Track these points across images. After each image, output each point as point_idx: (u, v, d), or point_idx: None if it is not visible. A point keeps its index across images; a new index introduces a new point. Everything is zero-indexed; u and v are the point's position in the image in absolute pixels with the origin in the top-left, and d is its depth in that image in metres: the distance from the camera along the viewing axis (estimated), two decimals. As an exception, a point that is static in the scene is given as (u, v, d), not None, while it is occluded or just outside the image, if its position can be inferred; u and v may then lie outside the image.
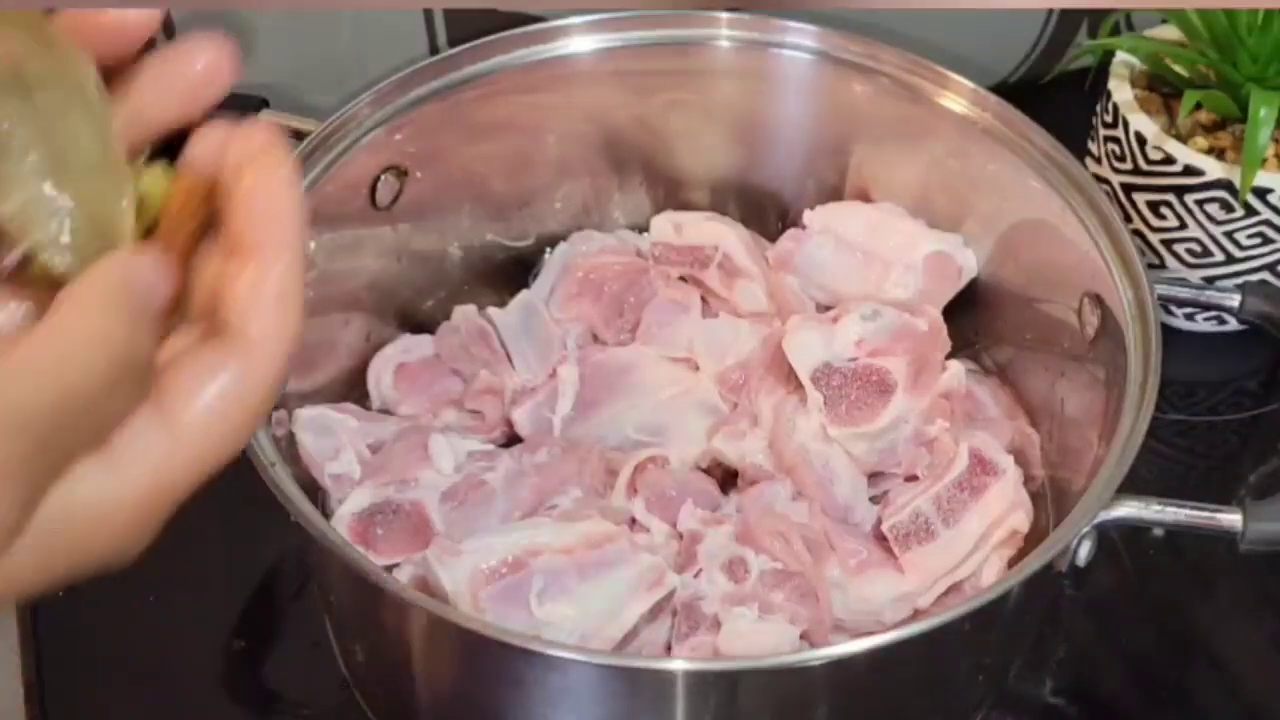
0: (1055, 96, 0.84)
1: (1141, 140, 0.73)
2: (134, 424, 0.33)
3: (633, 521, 0.62)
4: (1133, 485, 0.54)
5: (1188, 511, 0.54)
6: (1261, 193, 0.70)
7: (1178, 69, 0.76)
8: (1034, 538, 0.63)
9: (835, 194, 0.74)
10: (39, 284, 0.34)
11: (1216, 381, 0.78)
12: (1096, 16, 0.89)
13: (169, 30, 0.73)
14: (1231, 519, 0.54)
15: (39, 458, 0.31)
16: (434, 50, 0.78)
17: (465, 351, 0.69)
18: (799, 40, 0.71)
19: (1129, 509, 0.54)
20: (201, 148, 0.37)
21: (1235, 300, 0.64)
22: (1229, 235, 0.73)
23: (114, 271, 0.33)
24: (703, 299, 0.72)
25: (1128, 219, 0.75)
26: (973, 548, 0.61)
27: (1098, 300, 0.62)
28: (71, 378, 0.31)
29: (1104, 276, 0.61)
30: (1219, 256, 0.74)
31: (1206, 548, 0.67)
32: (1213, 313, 0.76)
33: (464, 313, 0.71)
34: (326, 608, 0.63)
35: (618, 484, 0.63)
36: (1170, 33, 0.77)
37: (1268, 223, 0.72)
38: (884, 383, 0.63)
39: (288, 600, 0.67)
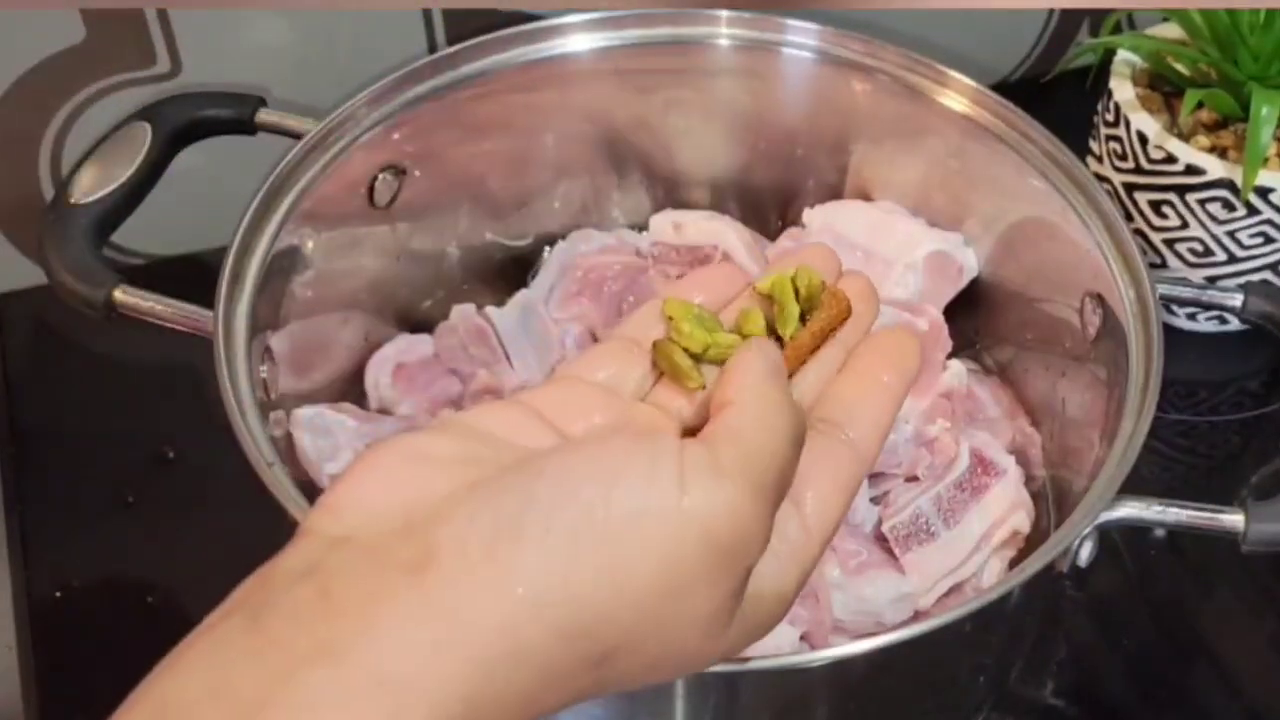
0: (1056, 95, 0.84)
1: (1143, 139, 0.72)
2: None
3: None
4: (1134, 485, 0.53)
5: (1189, 512, 0.54)
6: (1263, 192, 0.70)
7: (1179, 68, 0.75)
8: (1035, 538, 0.62)
9: (835, 193, 0.74)
10: (662, 358, 0.41)
11: (1218, 381, 0.77)
12: (1098, 15, 0.89)
13: (167, 28, 0.73)
14: (1233, 519, 0.54)
15: (771, 514, 0.35)
16: (432, 50, 0.78)
17: (464, 351, 0.69)
18: (799, 39, 0.70)
19: (1130, 509, 0.53)
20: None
21: (1237, 300, 0.64)
22: (1231, 235, 0.72)
23: (766, 356, 0.38)
24: (702, 298, 0.71)
25: (1129, 218, 0.74)
26: (974, 548, 0.61)
27: (1099, 300, 0.62)
28: (780, 438, 0.36)
29: (1105, 276, 0.61)
30: (1221, 256, 0.73)
31: (1208, 548, 0.67)
32: (1215, 313, 0.76)
33: (462, 312, 0.70)
34: (325, 608, 0.62)
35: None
36: (1172, 31, 0.77)
37: (1270, 222, 0.71)
38: (884, 382, 0.63)
39: (286, 601, 0.67)
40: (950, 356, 0.67)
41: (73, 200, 0.61)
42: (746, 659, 0.55)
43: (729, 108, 0.73)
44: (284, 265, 0.62)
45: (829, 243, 0.71)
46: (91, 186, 0.61)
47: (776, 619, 0.37)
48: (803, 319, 0.42)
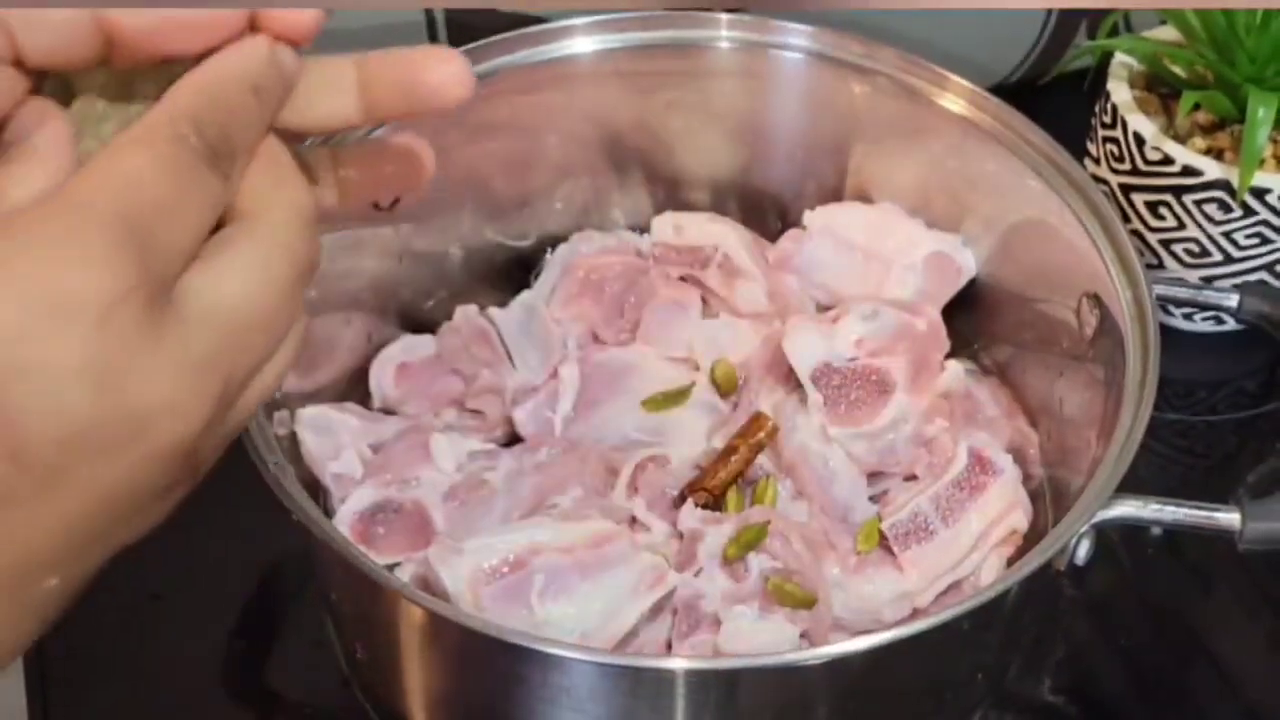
0: (1054, 97, 0.84)
1: (1140, 141, 0.73)
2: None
3: (633, 520, 0.62)
4: (1131, 485, 0.54)
5: (1186, 511, 0.54)
6: (1259, 193, 0.71)
7: (1176, 70, 0.76)
8: (1033, 537, 0.63)
9: (835, 194, 0.75)
10: None
11: (1215, 381, 0.78)
12: (1095, 18, 0.89)
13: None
14: (1230, 518, 0.54)
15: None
16: (435, 51, 0.78)
17: (466, 351, 0.69)
18: (798, 41, 0.71)
19: (1127, 508, 0.54)
20: None
21: (1233, 300, 0.64)
22: (1227, 235, 0.73)
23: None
24: (703, 299, 0.72)
25: (1126, 219, 0.75)
26: (972, 547, 0.61)
27: (1096, 300, 0.62)
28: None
29: (1102, 276, 0.62)
30: (1217, 256, 0.74)
31: (1205, 547, 0.67)
32: (1211, 313, 0.76)
33: (465, 313, 0.71)
34: (328, 607, 0.63)
35: (618, 483, 0.63)
36: (1169, 33, 0.78)
37: (1266, 223, 0.72)
38: (883, 382, 0.63)
39: (288, 600, 0.67)
40: (948, 357, 0.67)
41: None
42: (746, 658, 0.56)
43: (729, 110, 0.73)
44: (287, 266, 0.62)
45: (829, 244, 0.72)
46: (96, 188, 0.62)
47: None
48: None
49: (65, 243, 0.30)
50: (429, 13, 0.77)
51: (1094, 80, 0.79)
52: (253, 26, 0.35)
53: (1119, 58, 0.77)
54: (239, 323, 0.33)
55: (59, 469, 0.30)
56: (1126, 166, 0.74)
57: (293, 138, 0.37)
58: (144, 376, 0.30)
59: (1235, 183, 0.70)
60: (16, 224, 0.30)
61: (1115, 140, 0.75)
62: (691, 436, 0.66)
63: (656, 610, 0.58)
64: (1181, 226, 0.74)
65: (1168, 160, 0.72)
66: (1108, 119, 0.76)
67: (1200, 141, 0.74)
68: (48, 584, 0.32)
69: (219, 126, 0.33)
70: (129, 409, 0.30)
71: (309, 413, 0.63)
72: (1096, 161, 0.77)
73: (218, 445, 0.34)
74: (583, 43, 0.70)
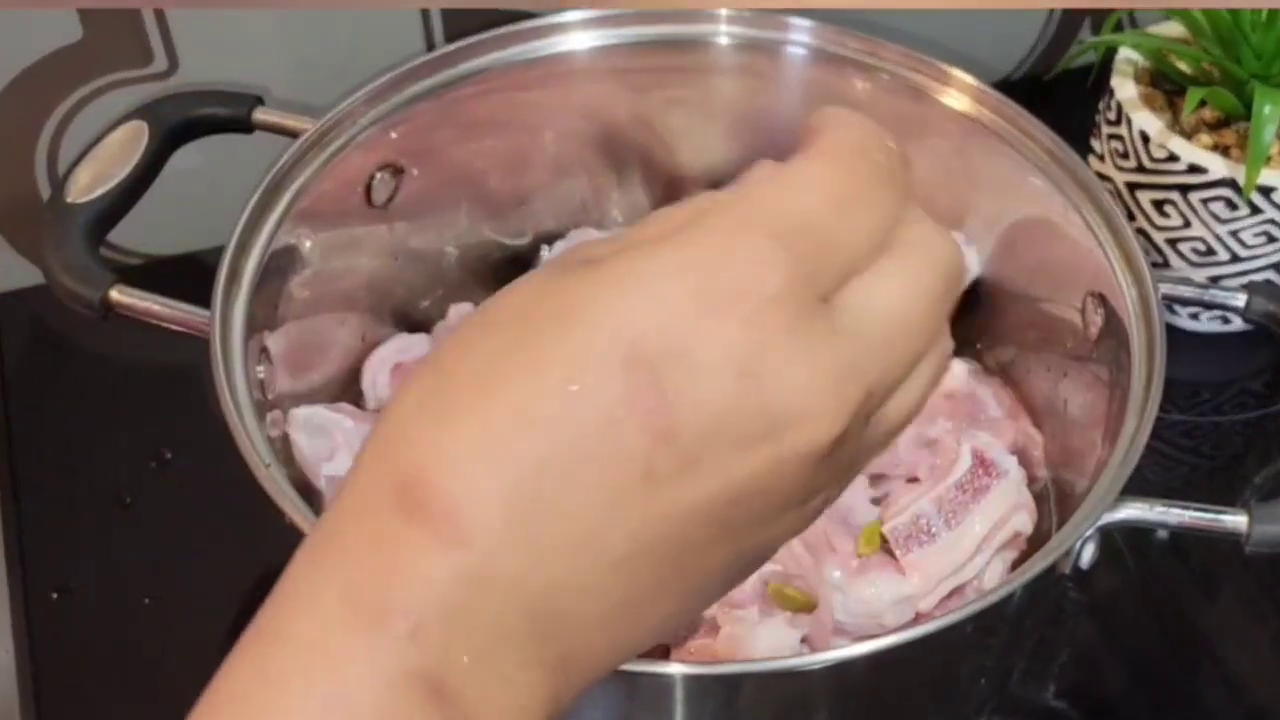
0: (1058, 94, 0.84)
1: (1145, 138, 0.72)
2: None
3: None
4: (1137, 486, 0.53)
5: (1192, 513, 0.54)
6: (1266, 191, 0.70)
7: (1181, 66, 0.75)
8: (1037, 540, 0.62)
9: (836, 192, 0.74)
10: None
11: (1221, 382, 0.77)
12: (1100, 13, 0.89)
13: (164, 27, 0.73)
14: (1236, 520, 0.53)
15: None
16: (431, 48, 0.78)
17: (462, 351, 0.69)
18: (799, 37, 0.70)
19: (1133, 510, 0.53)
20: None
21: (1240, 300, 0.63)
22: (1234, 234, 0.72)
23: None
24: (702, 298, 0.71)
25: (1131, 217, 0.74)
26: (975, 550, 0.61)
27: (1101, 299, 0.62)
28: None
29: (1107, 275, 0.61)
30: (1224, 255, 0.73)
31: (1211, 549, 0.67)
32: (1217, 312, 0.75)
33: (460, 312, 0.70)
34: (322, 610, 0.62)
35: (616, 485, 0.62)
36: (1174, 29, 0.77)
37: (1273, 221, 0.71)
38: (885, 383, 0.63)
39: (284, 602, 0.66)
40: (951, 356, 0.67)
41: (69, 199, 0.61)
42: (745, 663, 0.55)
43: (729, 106, 0.73)
44: (281, 264, 0.62)
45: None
46: (88, 186, 0.61)
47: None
48: None
49: (733, 239, 0.30)
50: (425, 12, 0.76)
51: (1098, 76, 0.79)
52: None
53: (1123, 53, 0.77)
54: (886, 334, 0.32)
55: (693, 456, 0.30)
56: (1131, 164, 0.74)
57: None
58: (785, 378, 0.30)
59: (1241, 181, 0.69)
60: (701, 219, 0.31)
61: (1120, 137, 0.74)
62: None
63: (655, 614, 0.57)
64: (1187, 225, 0.73)
65: (1173, 158, 0.71)
66: (1112, 116, 0.75)
67: (1206, 138, 0.73)
68: (670, 580, 0.31)
69: (893, 155, 0.34)
70: (764, 406, 0.30)
71: (302, 413, 0.63)
72: (1101, 159, 0.76)
73: (858, 459, 0.33)
74: (579, 39, 0.69)
